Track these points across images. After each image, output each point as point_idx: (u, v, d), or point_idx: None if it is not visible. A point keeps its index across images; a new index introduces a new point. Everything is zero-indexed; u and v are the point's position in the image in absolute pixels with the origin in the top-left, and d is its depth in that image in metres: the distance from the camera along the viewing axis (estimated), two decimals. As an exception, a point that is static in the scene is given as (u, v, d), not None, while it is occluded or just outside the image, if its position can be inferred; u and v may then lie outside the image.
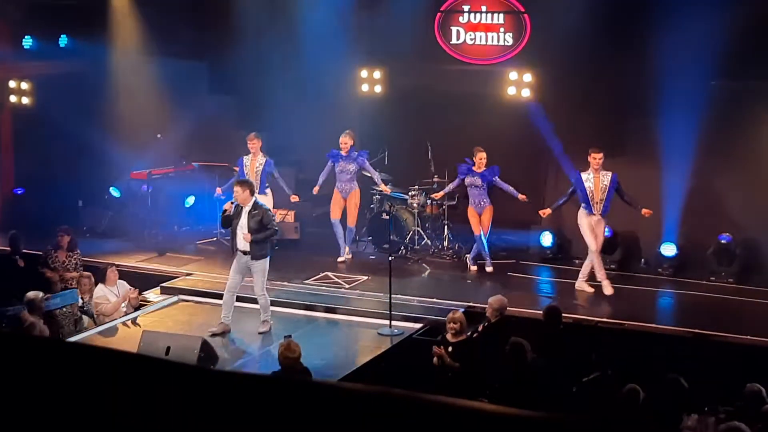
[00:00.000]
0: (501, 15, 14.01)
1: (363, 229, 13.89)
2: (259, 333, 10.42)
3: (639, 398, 7.58)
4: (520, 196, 12.30)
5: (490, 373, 8.60)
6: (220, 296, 10.67)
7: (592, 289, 11.72)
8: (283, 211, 13.95)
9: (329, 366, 9.52)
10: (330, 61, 14.02)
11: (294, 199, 13.16)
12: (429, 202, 13.53)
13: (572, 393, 8.21)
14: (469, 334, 9.14)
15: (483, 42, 14.14)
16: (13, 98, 16.06)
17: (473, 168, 12.52)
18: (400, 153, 14.31)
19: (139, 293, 11.45)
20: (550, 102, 13.36)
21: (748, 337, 10.13)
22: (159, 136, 15.27)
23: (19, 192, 15.96)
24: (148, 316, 11.29)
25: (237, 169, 13.21)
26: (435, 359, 8.72)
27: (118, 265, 11.81)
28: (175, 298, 11.91)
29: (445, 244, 13.53)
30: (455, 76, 14.22)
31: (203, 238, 14.49)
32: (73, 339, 9.87)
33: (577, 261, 12.69)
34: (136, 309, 11.31)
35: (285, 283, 12.02)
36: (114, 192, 15.19)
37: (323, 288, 12.05)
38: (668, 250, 12.68)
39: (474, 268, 12.78)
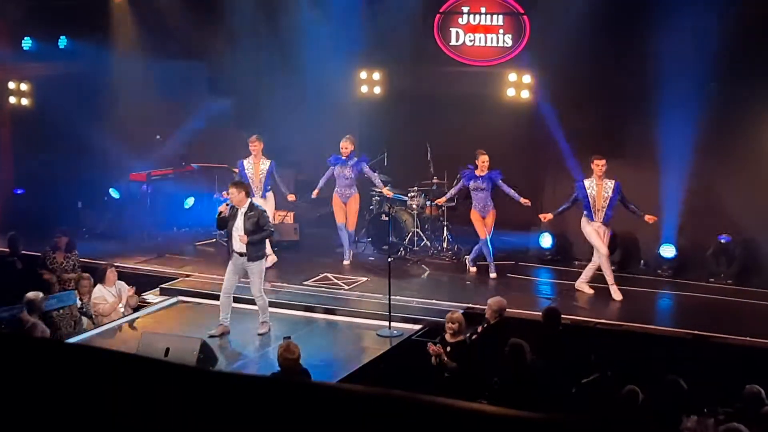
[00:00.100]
0: (500, 16, 14.03)
1: (362, 230, 13.88)
2: (258, 334, 10.40)
3: (638, 399, 7.57)
4: (523, 200, 12.22)
5: (489, 374, 8.60)
6: (219, 297, 10.66)
7: (591, 290, 11.70)
8: (282, 212, 13.95)
9: (328, 367, 9.52)
10: (329, 62, 14.02)
11: (291, 198, 13.06)
12: (429, 203, 13.52)
13: (571, 394, 8.21)
14: (468, 335, 9.14)
15: (482, 43, 14.16)
16: (12, 99, 16.07)
17: (476, 172, 12.46)
18: (399, 154, 14.29)
19: (138, 294, 11.45)
20: (549, 103, 13.36)
21: (748, 338, 10.12)
22: (158, 137, 15.28)
23: (18, 192, 15.96)
24: (148, 317, 11.28)
25: (237, 171, 13.03)
26: (433, 358, 8.72)
27: (117, 267, 11.79)
28: (174, 300, 11.90)
29: (445, 245, 13.52)
30: (454, 78, 14.24)
31: (202, 240, 14.48)
32: (71, 340, 9.85)
33: (576, 262, 12.69)
34: (135, 310, 11.30)
35: (284, 285, 12.02)
36: (113, 193, 15.18)
37: (322, 289, 12.04)
38: (667, 251, 12.67)
39: (473, 269, 12.75)
